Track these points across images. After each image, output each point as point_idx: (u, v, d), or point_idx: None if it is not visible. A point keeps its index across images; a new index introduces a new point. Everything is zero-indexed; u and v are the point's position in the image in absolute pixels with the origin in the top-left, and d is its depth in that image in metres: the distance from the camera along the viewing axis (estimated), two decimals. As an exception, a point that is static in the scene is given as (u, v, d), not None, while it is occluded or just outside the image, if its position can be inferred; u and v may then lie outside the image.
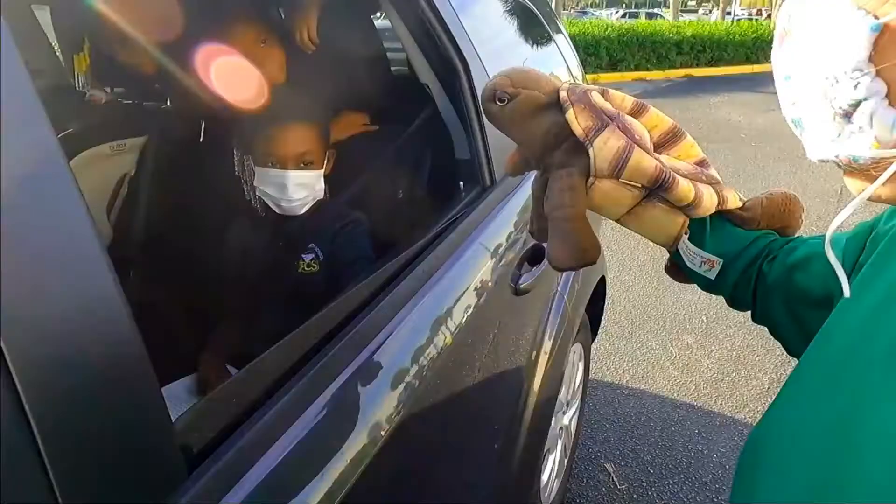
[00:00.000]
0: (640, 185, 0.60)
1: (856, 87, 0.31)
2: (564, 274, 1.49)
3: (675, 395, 2.49)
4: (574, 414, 1.96)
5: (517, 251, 1.19)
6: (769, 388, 2.51)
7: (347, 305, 0.79)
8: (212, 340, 1.24)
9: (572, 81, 0.64)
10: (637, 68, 11.20)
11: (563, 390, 1.77)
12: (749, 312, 0.69)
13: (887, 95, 0.30)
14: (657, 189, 0.60)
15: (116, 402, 0.46)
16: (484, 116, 1.19)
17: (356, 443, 0.71)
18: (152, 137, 1.62)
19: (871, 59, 0.30)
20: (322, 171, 1.20)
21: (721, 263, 0.64)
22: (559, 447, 1.83)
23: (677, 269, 0.71)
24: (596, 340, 2.71)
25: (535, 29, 1.87)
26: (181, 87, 1.30)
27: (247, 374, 0.66)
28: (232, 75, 1.16)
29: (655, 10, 30.84)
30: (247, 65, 1.15)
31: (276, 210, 1.19)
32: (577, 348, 1.86)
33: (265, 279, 1.22)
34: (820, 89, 0.33)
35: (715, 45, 12.12)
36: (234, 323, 1.26)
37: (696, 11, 37.68)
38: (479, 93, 1.20)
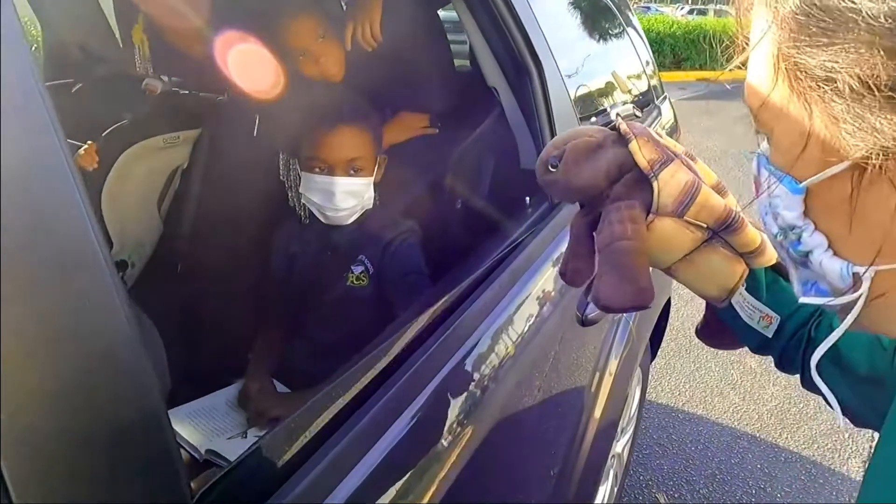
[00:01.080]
0: (704, 226, 0.55)
1: (799, 240, 0.33)
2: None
3: (736, 423, 2.33)
4: (628, 441, 1.84)
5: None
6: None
7: (404, 340, 0.71)
8: (255, 351, 1.18)
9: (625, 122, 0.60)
10: (702, 68, 10.74)
11: (620, 417, 1.66)
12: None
13: (830, 246, 0.32)
14: (723, 230, 0.55)
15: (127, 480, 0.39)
16: (555, 124, 1.09)
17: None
18: (206, 130, 1.58)
19: (805, 214, 0.33)
20: (372, 178, 1.12)
21: (779, 320, 0.60)
22: (611, 476, 1.72)
23: (716, 330, 0.65)
24: (652, 359, 2.57)
25: (609, 23, 1.74)
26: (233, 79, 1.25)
27: (290, 425, 0.58)
28: (262, 68, 1.09)
29: (725, 7, 29.61)
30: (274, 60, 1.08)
31: (322, 219, 1.11)
32: (637, 372, 1.74)
33: (312, 289, 1.15)
34: (778, 244, 0.36)
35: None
36: (278, 333, 1.20)
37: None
38: (551, 96, 1.10)
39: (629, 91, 1.67)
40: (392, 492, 0.62)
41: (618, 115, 0.61)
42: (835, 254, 0.32)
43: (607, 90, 1.58)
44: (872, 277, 0.31)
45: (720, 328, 0.64)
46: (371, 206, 1.14)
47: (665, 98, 2.08)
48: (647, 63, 2.05)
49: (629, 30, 1.86)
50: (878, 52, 0.25)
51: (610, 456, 1.67)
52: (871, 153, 0.27)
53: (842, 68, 0.26)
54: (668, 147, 0.57)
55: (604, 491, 1.67)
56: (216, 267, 1.46)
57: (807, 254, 0.34)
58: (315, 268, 1.15)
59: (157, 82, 1.63)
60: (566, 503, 1.19)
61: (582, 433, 1.19)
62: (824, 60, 0.27)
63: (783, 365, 0.63)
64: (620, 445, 1.77)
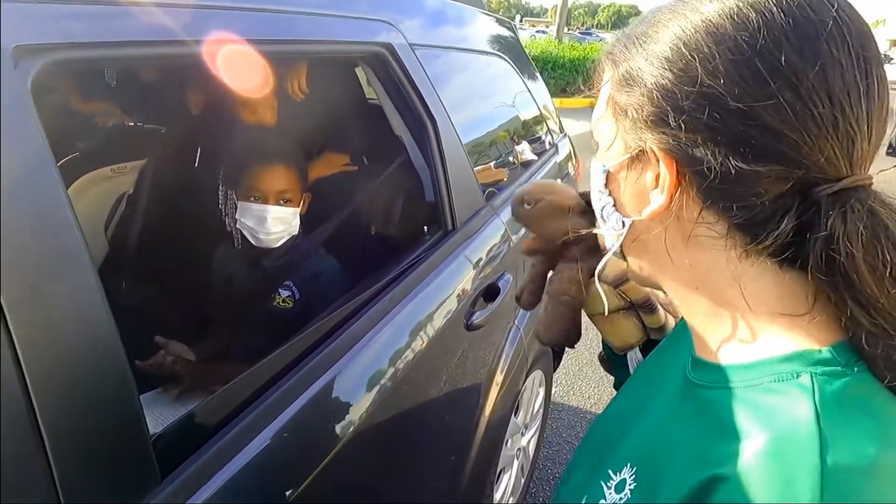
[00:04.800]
0: (628, 299, 0.74)
1: (600, 199, 0.53)
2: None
3: (636, 421, 2.61)
4: (533, 436, 2.07)
5: (473, 290, 1.33)
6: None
7: (305, 342, 0.92)
8: (199, 355, 1.35)
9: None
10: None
11: (521, 414, 1.90)
12: None
13: (615, 205, 0.52)
14: (640, 307, 0.74)
15: (108, 415, 0.60)
16: (448, 167, 1.34)
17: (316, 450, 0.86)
18: (151, 159, 1.75)
19: (606, 185, 0.52)
20: (299, 209, 1.34)
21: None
22: (515, 466, 1.94)
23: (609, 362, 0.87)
24: (565, 364, 2.84)
25: (508, 82, 2.02)
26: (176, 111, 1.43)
27: (218, 397, 0.79)
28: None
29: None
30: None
31: (253, 242, 1.32)
32: (537, 375, 1.99)
33: (242, 306, 1.34)
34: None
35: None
36: (215, 342, 1.38)
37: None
38: (444, 145, 1.35)
39: (524, 135, 1.96)
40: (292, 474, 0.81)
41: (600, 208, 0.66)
42: (615, 210, 0.51)
43: (502, 136, 1.86)
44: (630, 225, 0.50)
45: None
46: (297, 233, 1.35)
47: (564, 136, 2.39)
48: (545, 107, 2.36)
49: (528, 82, 2.17)
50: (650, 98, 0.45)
51: (515, 450, 1.91)
52: (636, 150, 0.47)
53: (628, 105, 0.46)
54: None
55: (509, 479, 1.89)
56: (160, 284, 1.62)
57: (603, 208, 0.53)
58: (247, 286, 1.35)
59: (108, 115, 1.79)
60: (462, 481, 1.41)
61: (475, 423, 1.43)
62: (625, 101, 0.47)
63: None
64: (525, 440, 2.00)
